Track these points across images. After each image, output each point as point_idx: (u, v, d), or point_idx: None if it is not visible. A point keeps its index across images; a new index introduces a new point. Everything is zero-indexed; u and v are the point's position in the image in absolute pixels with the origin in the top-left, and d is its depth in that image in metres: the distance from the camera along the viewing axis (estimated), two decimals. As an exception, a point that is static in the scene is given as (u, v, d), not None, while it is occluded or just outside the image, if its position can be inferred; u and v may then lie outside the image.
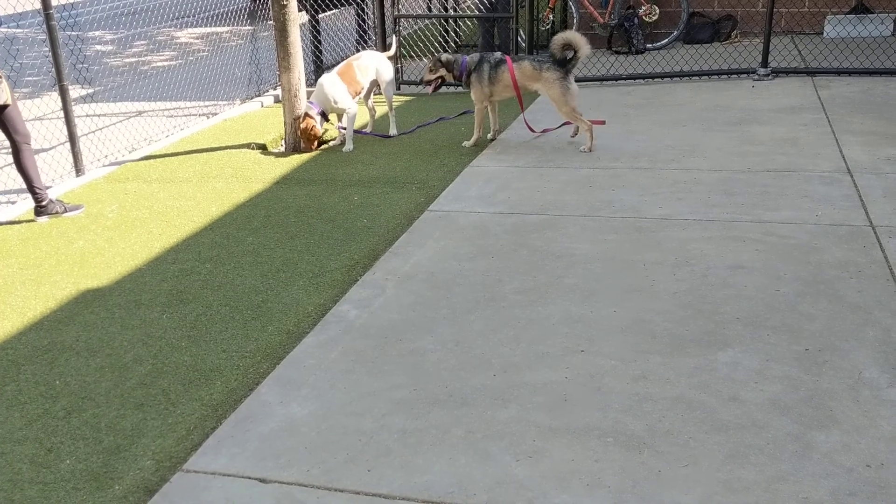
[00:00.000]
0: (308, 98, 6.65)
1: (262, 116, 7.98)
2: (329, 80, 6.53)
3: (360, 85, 6.68)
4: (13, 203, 5.85)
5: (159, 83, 9.38)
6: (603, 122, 6.39)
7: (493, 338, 3.56)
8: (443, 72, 6.36)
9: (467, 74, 6.26)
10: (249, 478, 2.78)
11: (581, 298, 3.85)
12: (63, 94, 6.20)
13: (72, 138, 6.32)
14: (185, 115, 8.24)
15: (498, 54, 6.26)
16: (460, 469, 2.75)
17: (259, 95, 8.70)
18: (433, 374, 3.32)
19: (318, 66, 9.04)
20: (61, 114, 6.25)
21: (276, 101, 8.42)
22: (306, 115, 6.53)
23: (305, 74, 6.92)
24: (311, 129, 6.52)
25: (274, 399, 3.23)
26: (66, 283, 4.44)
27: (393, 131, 6.93)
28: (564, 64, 6.00)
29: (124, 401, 3.30)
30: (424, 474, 2.73)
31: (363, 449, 2.88)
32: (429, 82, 6.47)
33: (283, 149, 6.81)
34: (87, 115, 8.11)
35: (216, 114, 8.11)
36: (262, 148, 6.88)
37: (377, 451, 2.87)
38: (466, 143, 6.44)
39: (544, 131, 6.56)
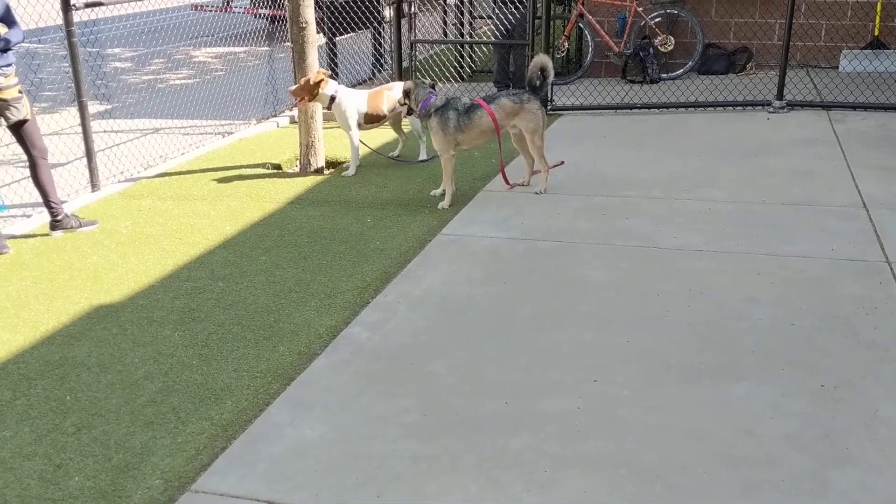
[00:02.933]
0: (327, 107, 6.58)
1: (277, 137, 8.02)
2: (351, 95, 6.55)
3: (381, 111, 6.71)
4: (28, 216, 5.88)
5: (176, 101, 9.44)
6: (562, 163, 6.29)
7: (506, 364, 3.54)
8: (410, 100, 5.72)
9: (426, 115, 5.64)
10: (258, 500, 2.75)
11: (595, 326, 3.83)
12: (82, 110, 6.25)
13: (89, 154, 6.36)
14: (201, 134, 8.29)
15: (466, 99, 5.65)
16: (472, 497, 2.72)
17: (275, 116, 8.74)
18: (445, 398, 3.30)
19: (333, 89, 9.06)
20: (78, 128, 6.30)
21: (292, 121, 8.46)
22: (320, 72, 6.46)
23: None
24: (312, 82, 6.37)
25: (284, 420, 3.21)
26: (79, 298, 4.45)
27: (423, 156, 6.94)
28: (538, 91, 5.69)
29: (134, 418, 3.29)
30: (436, 501, 2.71)
31: (374, 473, 2.86)
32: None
33: (297, 169, 6.83)
34: (104, 131, 8.17)
35: (232, 133, 8.15)
36: (277, 168, 6.91)
37: (388, 476, 2.84)
38: (443, 204, 5.68)
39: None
